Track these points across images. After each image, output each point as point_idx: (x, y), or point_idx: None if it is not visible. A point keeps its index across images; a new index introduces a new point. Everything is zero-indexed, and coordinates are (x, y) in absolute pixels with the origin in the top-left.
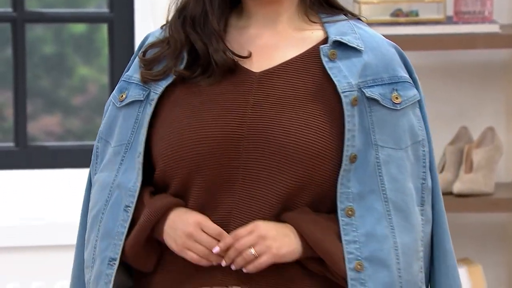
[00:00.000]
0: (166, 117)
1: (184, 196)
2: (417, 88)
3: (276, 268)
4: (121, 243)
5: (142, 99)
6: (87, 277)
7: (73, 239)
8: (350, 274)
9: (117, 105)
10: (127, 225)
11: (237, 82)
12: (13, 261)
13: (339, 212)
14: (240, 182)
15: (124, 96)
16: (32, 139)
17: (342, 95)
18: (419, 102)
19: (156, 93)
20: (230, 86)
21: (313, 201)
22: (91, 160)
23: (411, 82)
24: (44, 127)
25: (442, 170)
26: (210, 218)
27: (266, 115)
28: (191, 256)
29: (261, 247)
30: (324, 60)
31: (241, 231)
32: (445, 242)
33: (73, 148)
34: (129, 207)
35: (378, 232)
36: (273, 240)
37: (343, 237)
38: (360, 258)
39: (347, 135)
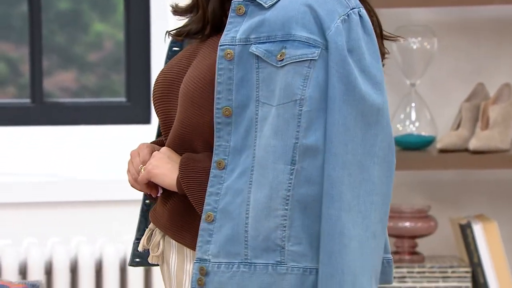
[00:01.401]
0: None
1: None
2: (329, 47)
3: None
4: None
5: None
6: None
7: (87, 195)
8: (202, 225)
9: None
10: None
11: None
12: (28, 217)
13: (212, 164)
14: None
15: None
16: (48, 95)
17: (219, 48)
18: (318, 62)
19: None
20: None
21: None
22: (106, 116)
23: (310, 41)
24: (59, 83)
25: (458, 127)
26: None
27: (192, 63)
28: (128, 179)
29: (148, 165)
30: (231, 14)
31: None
32: (325, 207)
33: (89, 105)
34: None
35: (235, 186)
36: (155, 160)
37: (208, 188)
38: (216, 210)
39: (217, 88)
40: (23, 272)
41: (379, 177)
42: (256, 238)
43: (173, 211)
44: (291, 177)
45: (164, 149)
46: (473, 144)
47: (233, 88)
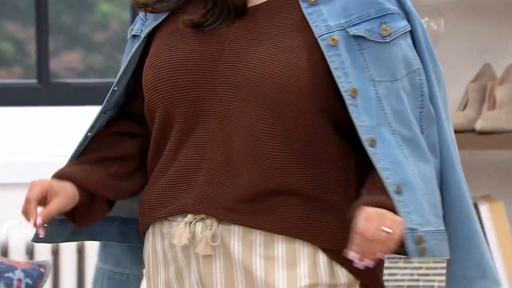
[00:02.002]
0: (150, 53)
1: (167, 128)
2: (411, 19)
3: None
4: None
5: (139, 34)
6: None
7: None
8: (394, 197)
9: (127, 38)
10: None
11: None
12: None
13: (364, 143)
14: (214, 115)
15: (132, 29)
16: (54, 75)
17: (318, 39)
18: (412, 32)
19: (147, 29)
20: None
21: (288, 139)
22: None
23: (400, 13)
24: (66, 63)
25: (464, 108)
26: (188, 150)
27: (241, 50)
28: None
29: (387, 222)
30: (303, 5)
31: (359, 225)
32: (449, 175)
33: (95, 85)
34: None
35: (401, 160)
36: (385, 212)
37: (376, 164)
38: (396, 183)
39: (335, 73)
40: (30, 252)
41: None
42: (436, 207)
43: (248, 195)
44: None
45: (364, 210)
46: (479, 125)
47: (348, 71)
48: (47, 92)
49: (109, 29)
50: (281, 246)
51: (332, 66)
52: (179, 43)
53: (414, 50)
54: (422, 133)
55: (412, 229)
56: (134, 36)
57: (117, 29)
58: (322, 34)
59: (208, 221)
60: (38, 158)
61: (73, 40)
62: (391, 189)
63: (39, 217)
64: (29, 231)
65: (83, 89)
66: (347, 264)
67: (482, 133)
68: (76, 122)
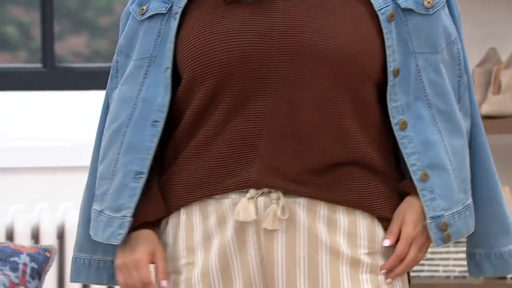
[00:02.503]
0: (192, 26)
1: (213, 102)
2: None
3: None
4: (150, 157)
5: (164, 12)
6: (103, 188)
7: None
8: (418, 185)
9: (138, 18)
10: (156, 140)
11: None
12: (40, 182)
13: (394, 127)
14: (272, 86)
15: (144, 9)
16: (59, 60)
17: (379, 13)
18: (448, 1)
19: (179, 6)
20: None
21: (354, 108)
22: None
23: None
24: (71, 47)
25: None
26: (242, 123)
27: (298, 18)
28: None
29: (424, 247)
30: None
31: (400, 248)
32: (477, 137)
33: (100, 70)
34: (158, 122)
35: (431, 138)
36: (420, 233)
37: (404, 151)
38: (422, 168)
39: (388, 52)
40: (35, 236)
41: None
42: (464, 181)
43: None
44: (461, 113)
45: (405, 228)
46: (485, 109)
47: (395, 48)
48: (52, 76)
49: (114, 13)
50: (342, 217)
51: (387, 43)
52: (227, 15)
53: (451, 20)
54: (459, 102)
55: (437, 217)
56: (152, 16)
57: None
58: (382, 8)
59: (273, 195)
60: (43, 142)
61: (78, 24)
62: (416, 176)
63: (163, 282)
64: (35, 215)
65: (88, 73)
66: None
67: (488, 117)
68: (81, 106)
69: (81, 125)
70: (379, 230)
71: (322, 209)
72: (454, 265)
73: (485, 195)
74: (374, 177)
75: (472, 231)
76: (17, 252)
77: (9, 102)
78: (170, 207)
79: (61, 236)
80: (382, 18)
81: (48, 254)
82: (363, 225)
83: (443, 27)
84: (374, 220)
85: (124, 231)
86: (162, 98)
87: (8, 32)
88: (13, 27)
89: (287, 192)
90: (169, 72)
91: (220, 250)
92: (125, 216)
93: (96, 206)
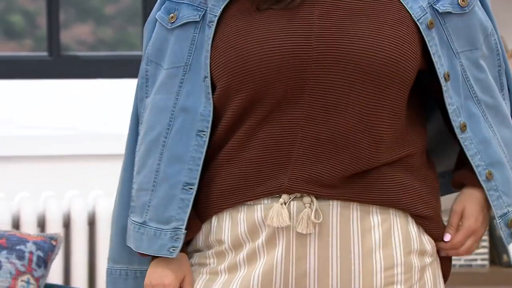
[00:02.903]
0: (227, 34)
1: (248, 110)
2: None
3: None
4: (199, 168)
5: (198, 19)
6: (143, 200)
7: (104, 148)
8: (485, 186)
9: (168, 27)
10: (203, 150)
11: None
12: (46, 170)
13: (456, 130)
14: (308, 92)
15: (174, 16)
16: (65, 48)
17: (418, 23)
18: None
19: (214, 14)
20: None
21: (390, 113)
22: (123, 70)
23: None
24: (76, 36)
25: None
26: (276, 129)
27: (335, 23)
28: None
29: (480, 236)
30: None
31: (459, 236)
32: None
33: (105, 58)
34: (204, 131)
35: (487, 136)
36: (480, 225)
37: (468, 153)
38: (486, 168)
39: (434, 58)
40: (41, 225)
41: None
42: None
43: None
44: (505, 102)
45: (467, 214)
46: None
47: (440, 54)
48: (57, 64)
49: (119, 2)
50: (376, 217)
51: (431, 51)
52: (262, 22)
53: (484, 12)
54: (501, 90)
55: (504, 214)
56: (184, 24)
57: (128, 2)
58: (420, 17)
59: (306, 199)
60: (48, 130)
61: (84, 12)
62: (482, 177)
63: None
64: (41, 203)
65: (93, 62)
66: (433, 231)
67: None
68: (86, 95)
69: (87, 113)
70: (412, 228)
71: (355, 211)
72: None
73: None
74: (404, 175)
75: None
76: (23, 241)
77: (14, 90)
78: (202, 216)
79: (67, 224)
80: (422, 27)
81: (54, 243)
82: (397, 223)
83: (479, 22)
84: (408, 217)
85: (179, 244)
86: (205, 107)
87: (14, 20)
88: (19, 15)
89: (319, 196)
90: (208, 81)
91: (249, 252)
92: (177, 228)
93: (135, 218)
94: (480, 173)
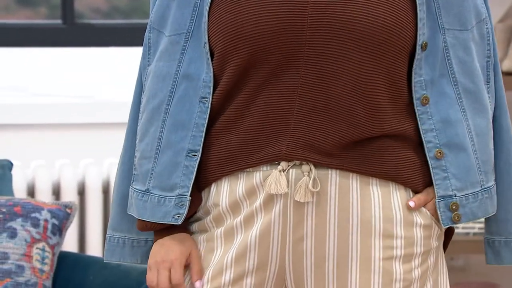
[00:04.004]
0: (223, 0)
1: (244, 77)
2: None
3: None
4: (202, 135)
5: None
6: (146, 167)
7: (119, 116)
8: (431, 163)
9: None
10: (206, 116)
11: None
12: (60, 138)
13: (415, 102)
14: (305, 59)
15: None
16: (79, 16)
17: None
18: None
19: None
20: None
21: (387, 81)
22: (137, 38)
23: None
24: (90, 3)
25: None
26: (273, 96)
27: None
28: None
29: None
30: None
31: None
32: (501, 119)
33: (120, 26)
34: (206, 98)
35: (452, 117)
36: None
37: (421, 127)
38: (439, 146)
39: (419, 24)
40: (56, 193)
41: None
42: (486, 163)
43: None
44: (489, 95)
45: None
46: (506, 66)
47: (425, 22)
48: (71, 32)
49: None
50: (376, 190)
51: (419, 15)
52: None
53: None
54: (487, 83)
55: (448, 196)
56: None
57: None
58: None
59: (304, 167)
60: (62, 99)
61: None
62: (430, 154)
63: (197, 283)
64: (55, 171)
65: (107, 30)
66: (432, 205)
67: (509, 73)
68: (100, 63)
69: (101, 81)
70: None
71: (355, 181)
72: (474, 222)
73: (507, 179)
74: (406, 149)
75: (491, 214)
76: (38, 208)
77: (28, 58)
78: (201, 184)
79: (81, 192)
80: None
81: (69, 211)
82: (397, 197)
83: (473, 4)
84: (408, 191)
85: (184, 211)
86: (206, 74)
87: None
88: None
89: (318, 165)
90: (207, 47)
91: (245, 216)
92: (182, 195)
93: (137, 186)
94: (429, 149)
